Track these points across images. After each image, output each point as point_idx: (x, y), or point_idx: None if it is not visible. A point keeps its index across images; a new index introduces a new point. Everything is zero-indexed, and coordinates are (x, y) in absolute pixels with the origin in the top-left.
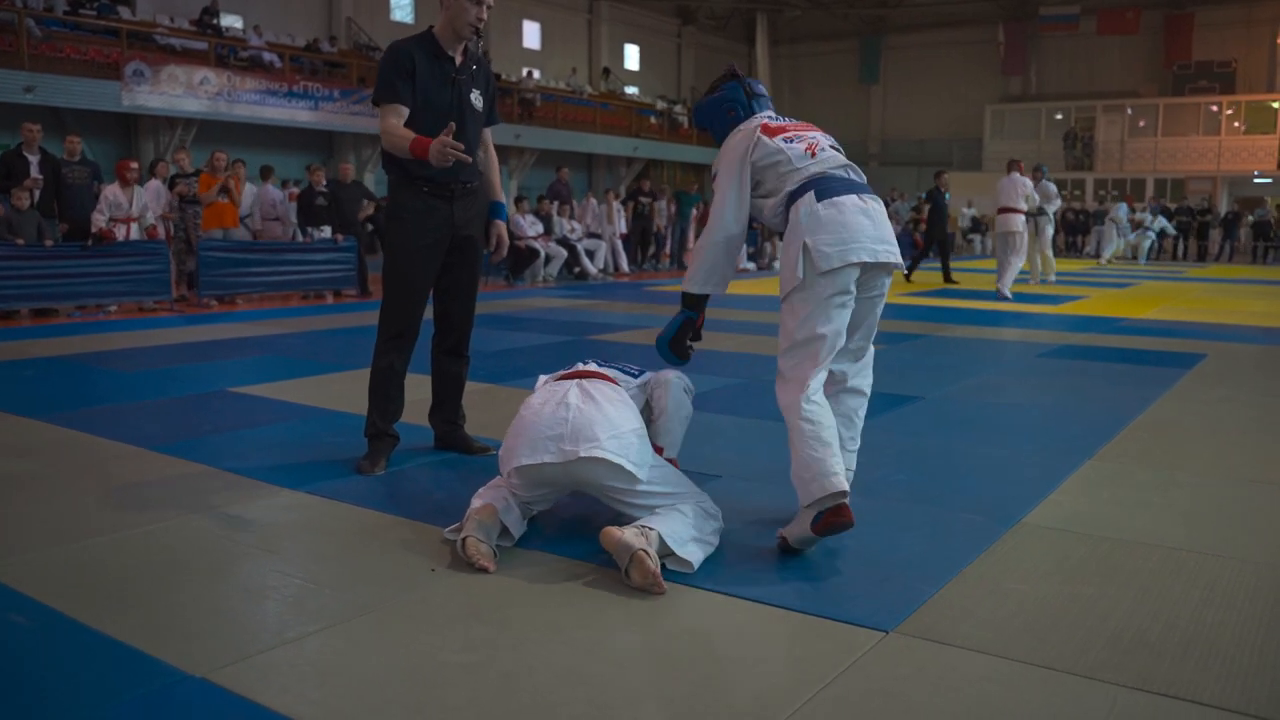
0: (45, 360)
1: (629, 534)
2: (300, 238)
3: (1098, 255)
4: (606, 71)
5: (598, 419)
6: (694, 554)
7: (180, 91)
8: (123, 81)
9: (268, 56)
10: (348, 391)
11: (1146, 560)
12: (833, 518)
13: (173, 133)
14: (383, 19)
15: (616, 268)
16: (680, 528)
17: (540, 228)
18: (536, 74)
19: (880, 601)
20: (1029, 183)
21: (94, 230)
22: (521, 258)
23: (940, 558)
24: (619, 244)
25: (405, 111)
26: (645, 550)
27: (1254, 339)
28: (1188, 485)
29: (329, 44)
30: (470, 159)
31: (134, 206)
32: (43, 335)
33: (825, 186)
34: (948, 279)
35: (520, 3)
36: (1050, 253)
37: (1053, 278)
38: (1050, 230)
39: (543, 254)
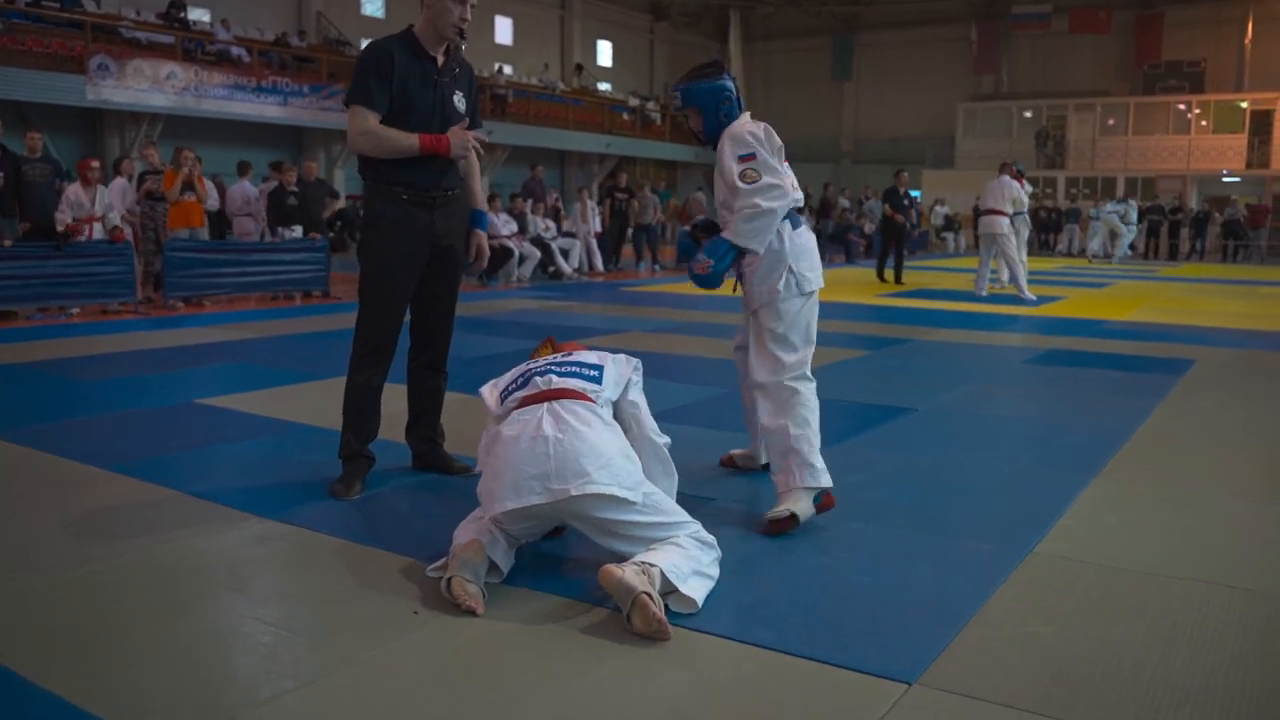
0: (2, 369)
1: (629, 574)
2: (269, 237)
3: (1074, 253)
4: (579, 68)
5: (582, 449)
6: (697, 590)
7: (146, 86)
8: (87, 75)
9: (236, 51)
10: (319, 403)
11: (1171, 595)
12: (829, 502)
13: (139, 128)
14: (353, 13)
15: (591, 267)
16: (680, 561)
17: (514, 226)
18: (508, 70)
19: (898, 647)
20: (1017, 186)
21: (59, 229)
22: (495, 257)
23: (955, 595)
24: (593, 243)
25: (377, 117)
26: (648, 593)
27: (1239, 343)
28: (1199, 506)
29: (298, 38)
30: (483, 142)
31: (96, 206)
32: (1, 340)
33: (794, 217)
34: (898, 280)
35: None
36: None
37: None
38: (1026, 232)
39: (516, 253)
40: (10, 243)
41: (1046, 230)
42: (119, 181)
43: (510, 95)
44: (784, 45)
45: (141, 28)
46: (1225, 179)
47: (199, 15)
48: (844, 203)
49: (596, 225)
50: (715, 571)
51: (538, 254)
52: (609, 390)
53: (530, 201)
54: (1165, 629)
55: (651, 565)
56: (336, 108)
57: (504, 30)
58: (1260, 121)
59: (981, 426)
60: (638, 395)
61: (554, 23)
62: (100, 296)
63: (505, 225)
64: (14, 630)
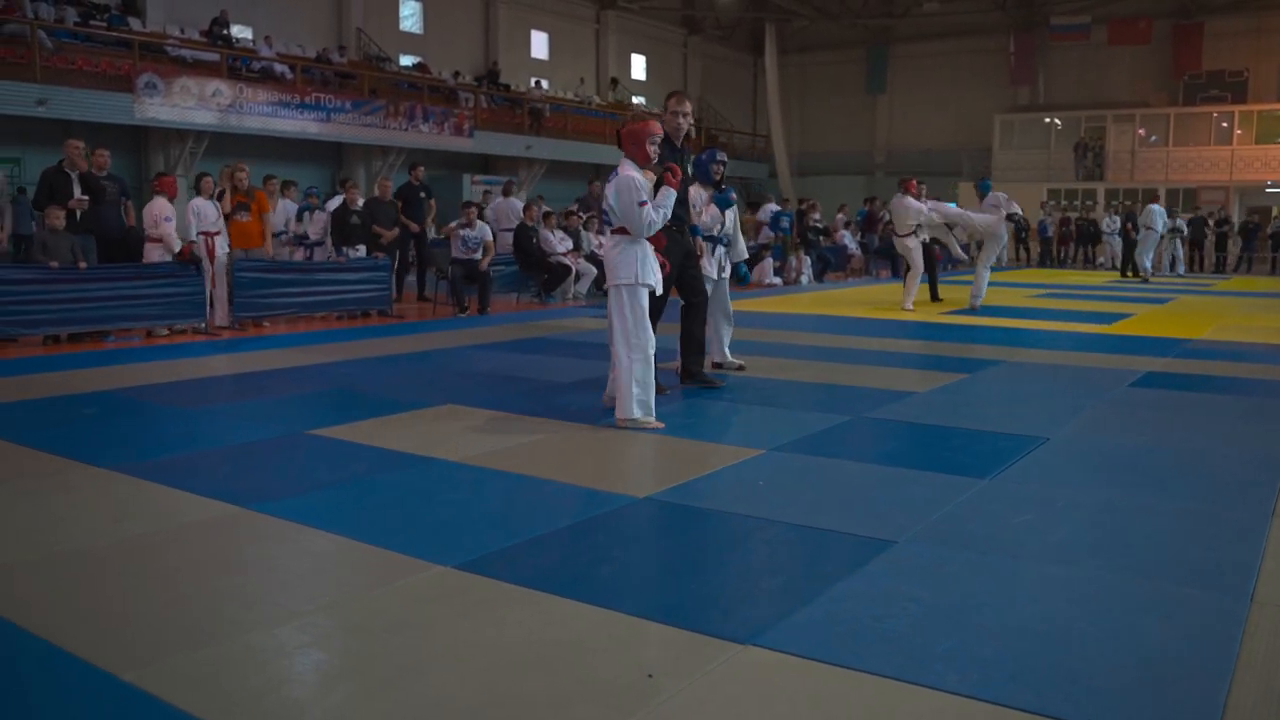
0: (101, 396)
1: None
2: (334, 256)
3: (1114, 266)
4: (614, 81)
5: None
6: None
7: (192, 103)
8: (134, 94)
9: (279, 68)
10: (440, 436)
11: None
12: None
13: (183, 145)
14: (391, 29)
15: None
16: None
17: (570, 244)
18: (545, 84)
19: (1178, 716)
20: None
21: (176, 250)
22: (554, 275)
23: (1201, 651)
24: None
25: None
26: None
27: None
28: None
29: (339, 54)
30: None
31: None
32: (87, 364)
33: None
34: (934, 297)
35: (529, 13)
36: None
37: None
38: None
39: (574, 270)
40: (85, 265)
41: (1085, 241)
42: (199, 201)
43: (547, 109)
44: (818, 58)
45: (187, 45)
46: (1269, 189)
47: (240, 32)
48: (887, 216)
49: None
50: None
51: (593, 270)
52: None
53: (585, 216)
54: None
55: None
56: (378, 124)
57: (540, 45)
58: None
59: (1123, 459)
60: None
61: (589, 37)
62: (171, 318)
63: (561, 243)
64: (216, 694)
